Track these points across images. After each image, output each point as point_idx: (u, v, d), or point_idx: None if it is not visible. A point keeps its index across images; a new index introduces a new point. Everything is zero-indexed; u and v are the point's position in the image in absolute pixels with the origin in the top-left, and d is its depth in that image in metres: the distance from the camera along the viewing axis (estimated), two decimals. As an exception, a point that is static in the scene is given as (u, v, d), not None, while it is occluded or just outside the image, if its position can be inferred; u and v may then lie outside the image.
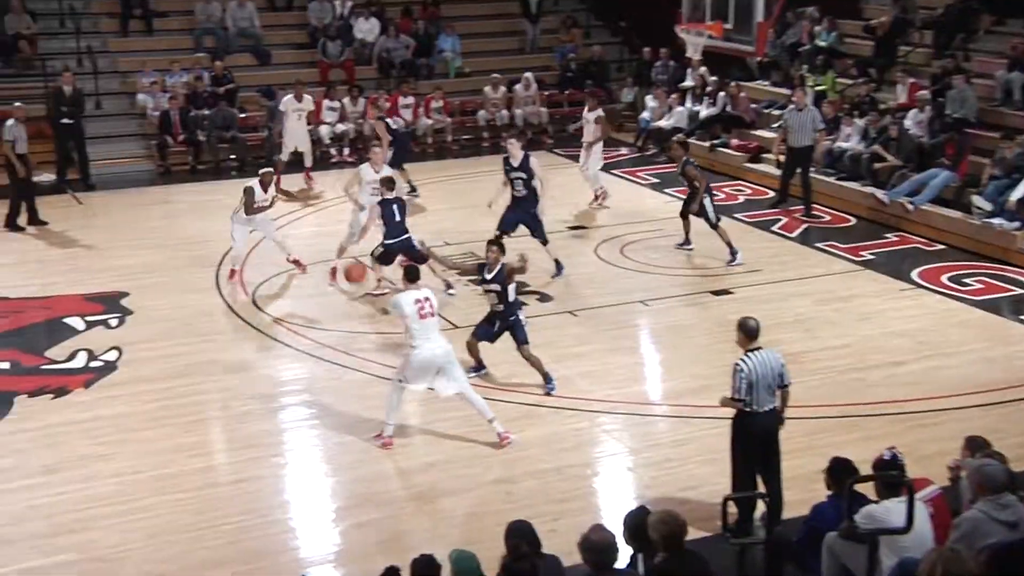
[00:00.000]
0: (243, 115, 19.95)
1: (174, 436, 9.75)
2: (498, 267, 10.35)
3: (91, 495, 8.79)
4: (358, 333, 12.02)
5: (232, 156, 19.38)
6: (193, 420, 10.12)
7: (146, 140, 19.78)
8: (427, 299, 9.32)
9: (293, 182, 17.99)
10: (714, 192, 14.54)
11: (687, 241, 14.63)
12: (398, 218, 12.50)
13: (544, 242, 13.41)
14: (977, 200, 14.44)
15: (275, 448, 9.66)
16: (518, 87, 21.15)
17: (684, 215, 14.53)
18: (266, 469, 9.26)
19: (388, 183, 12.65)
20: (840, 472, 6.83)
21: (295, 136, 17.93)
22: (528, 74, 21.28)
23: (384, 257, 12.69)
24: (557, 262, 13.53)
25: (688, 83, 20.63)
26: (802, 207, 16.13)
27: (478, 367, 10.73)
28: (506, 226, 13.14)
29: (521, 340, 10.42)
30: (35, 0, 21.21)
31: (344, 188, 13.80)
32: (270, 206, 13.38)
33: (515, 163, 13.17)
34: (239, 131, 19.38)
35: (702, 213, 14.20)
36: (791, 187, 16.42)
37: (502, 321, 10.46)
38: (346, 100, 19.84)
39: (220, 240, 14.57)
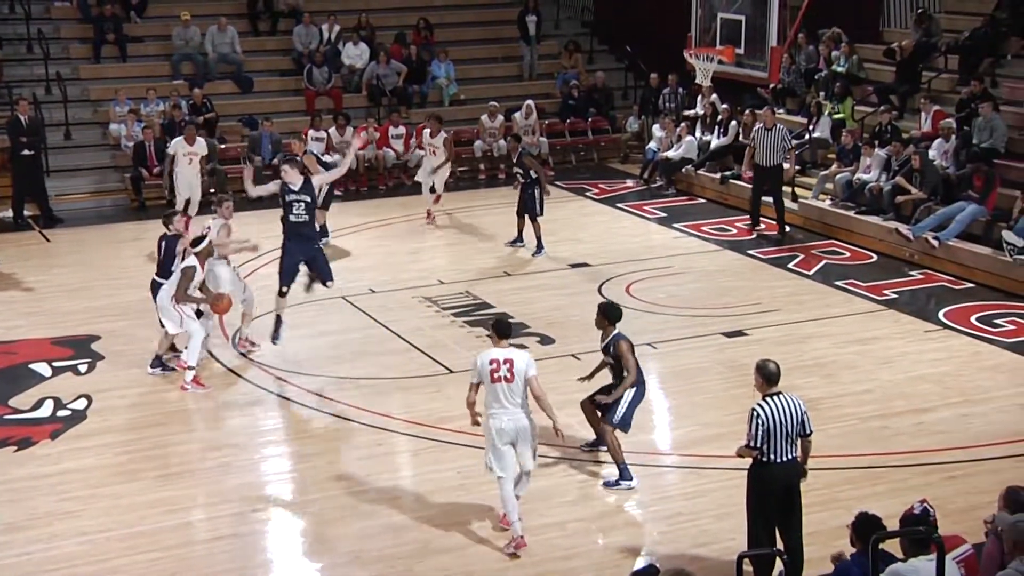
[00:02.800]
0: (223, 146, 20.04)
1: (147, 491, 9.70)
2: (610, 337, 9.71)
3: (56, 556, 8.72)
4: (345, 379, 12.00)
5: (212, 190, 19.43)
6: (168, 473, 10.07)
7: (119, 172, 19.87)
8: (507, 361, 8.66)
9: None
10: (546, 188, 16.27)
11: (519, 239, 16.38)
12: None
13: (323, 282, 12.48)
14: (1008, 236, 14.48)
15: (256, 503, 9.60)
16: (517, 115, 21.27)
17: (520, 213, 16.15)
18: (247, 526, 9.21)
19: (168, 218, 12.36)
20: (867, 528, 6.80)
21: (186, 182, 17.22)
22: (528, 102, 21.42)
23: None
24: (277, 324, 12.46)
25: (697, 111, 20.76)
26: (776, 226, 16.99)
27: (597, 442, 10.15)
28: (287, 279, 12.20)
29: (608, 419, 9.71)
30: (1, 24, 21.39)
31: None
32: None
33: (295, 186, 12.00)
34: (219, 163, 19.45)
35: (528, 202, 15.95)
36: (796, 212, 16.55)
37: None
38: (332, 130, 19.96)
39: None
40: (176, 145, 17.37)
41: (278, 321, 12.31)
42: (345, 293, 14.56)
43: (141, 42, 22.18)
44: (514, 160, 16.65)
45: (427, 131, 17.99)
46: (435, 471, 9.98)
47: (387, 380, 11.98)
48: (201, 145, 17.51)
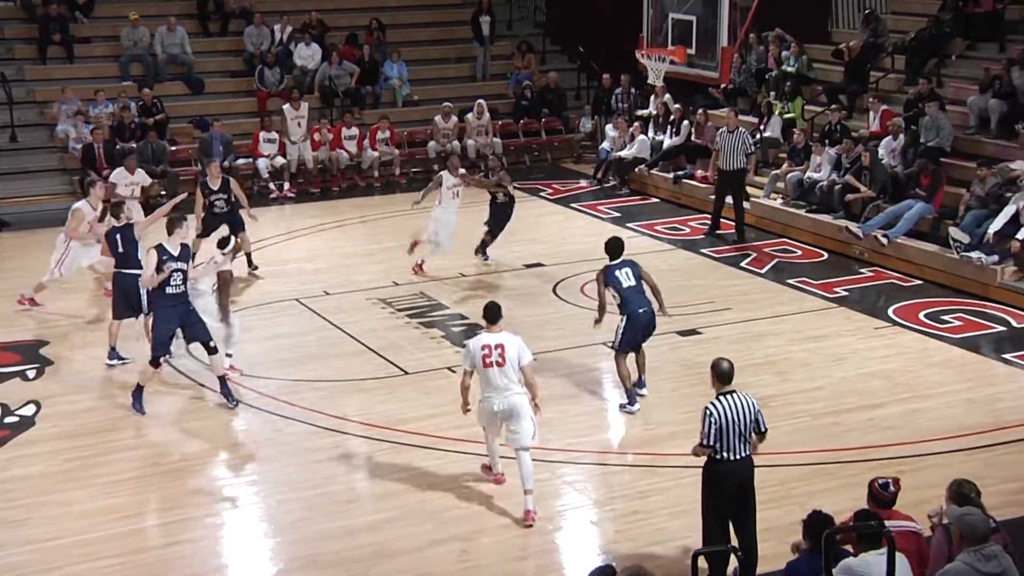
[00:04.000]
0: (174, 148, 19.89)
1: (98, 498, 9.60)
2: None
3: (2, 565, 8.60)
4: (300, 381, 11.94)
5: (163, 192, 19.28)
6: (119, 479, 9.96)
7: (68, 175, 19.63)
8: (499, 346, 8.96)
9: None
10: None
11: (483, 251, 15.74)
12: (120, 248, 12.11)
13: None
14: (954, 232, 14.70)
15: (210, 508, 9.54)
16: (470, 116, 21.29)
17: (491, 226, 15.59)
18: (200, 531, 9.15)
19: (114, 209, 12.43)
20: (818, 527, 6.87)
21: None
22: (480, 101, 21.44)
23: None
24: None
25: (650, 111, 20.85)
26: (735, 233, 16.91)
27: (639, 384, 11.31)
28: (162, 350, 11.28)
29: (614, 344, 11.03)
30: (-57, 25, 21.10)
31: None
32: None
33: (174, 251, 11.09)
34: (170, 165, 19.30)
35: (499, 218, 15.45)
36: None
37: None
38: (286, 106, 19.88)
39: (149, 283, 14.44)
40: (118, 176, 15.93)
41: (139, 390, 11.16)
42: (299, 295, 14.50)
43: (88, 43, 21.92)
44: (494, 178, 15.51)
45: (443, 173, 15.36)
46: (391, 473, 9.96)
47: (342, 383, 11.94)
48: (142, 175, 16.20)
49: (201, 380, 11.97)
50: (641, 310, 11.00)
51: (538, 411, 9.27)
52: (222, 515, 9.47)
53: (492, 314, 9.15)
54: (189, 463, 10.29)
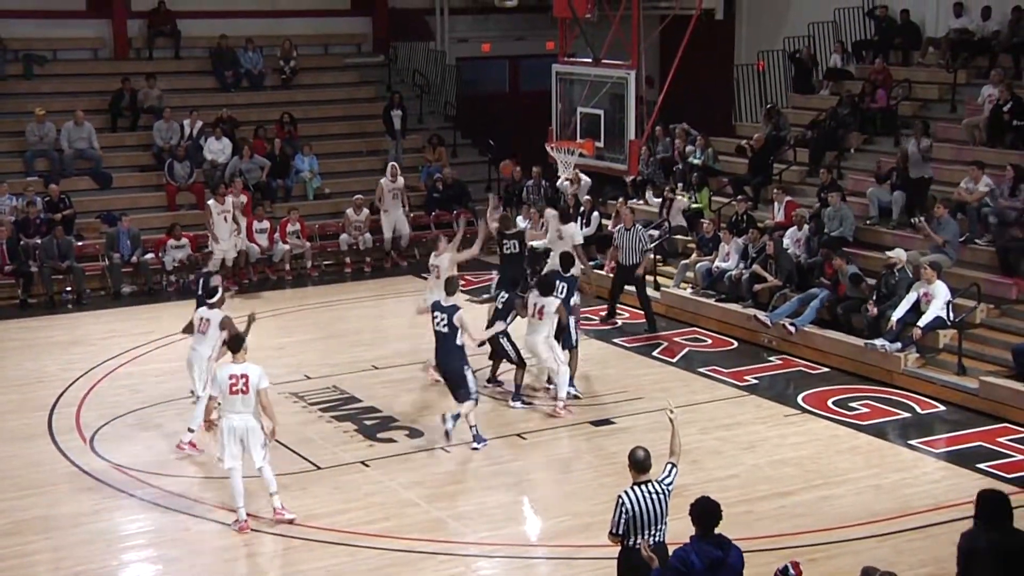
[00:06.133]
0: (80, 243, 19.61)
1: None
2: None
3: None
4: (209, 478, 11.74)
5: (68, 288, 19.00)
6: (20, 585, 9.67)
7: (-31, 271, 19.22)
8: (244, 376, 10.30)
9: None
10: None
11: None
12: None
13: None
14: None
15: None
16: (383, 180, 21.22)
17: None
18: (104, 637, 8.89)
19: None
20: (706, 515, 7.02)
21: None
22: (393, 163, 21.56)
23: None
24: None
25: (561, 182, 21.05)
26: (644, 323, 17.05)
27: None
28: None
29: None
30: None
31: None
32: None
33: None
34: (76, 260, 19.03)
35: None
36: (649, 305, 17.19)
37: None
38: (211, 202, 19.52)
39: (53, 381, 14.16)
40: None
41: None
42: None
43: (-9, 138, 21.65)
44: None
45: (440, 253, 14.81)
46: (302, 571, 9.80)
47: (252, 479, 11.72)
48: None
49: (107, 479, 11.70)
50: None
51: (271, 437, 10.57)
52: (127, 620, 9.23)
53: (235, 345, 10.55)
54: (90, 566, 10.00)
